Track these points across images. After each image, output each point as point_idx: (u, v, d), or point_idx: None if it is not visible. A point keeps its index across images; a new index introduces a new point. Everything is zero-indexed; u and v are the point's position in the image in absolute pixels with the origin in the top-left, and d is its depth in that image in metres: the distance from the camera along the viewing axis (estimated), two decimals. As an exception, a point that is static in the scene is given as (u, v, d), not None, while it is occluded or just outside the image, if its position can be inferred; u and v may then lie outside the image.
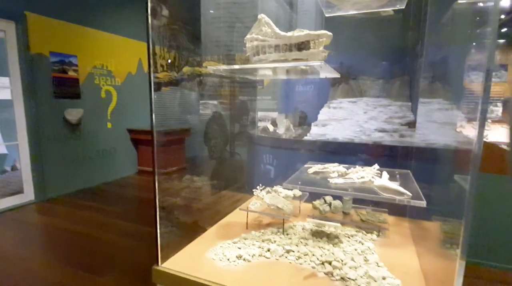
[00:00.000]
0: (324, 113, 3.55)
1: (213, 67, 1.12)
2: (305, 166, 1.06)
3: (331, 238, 1.14)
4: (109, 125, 4.85)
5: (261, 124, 3.85)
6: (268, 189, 1.45)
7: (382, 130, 3.22)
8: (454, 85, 1.36)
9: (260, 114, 3.92)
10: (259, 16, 1.11)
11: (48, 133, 3.95)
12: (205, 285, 0.88)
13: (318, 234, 1.17)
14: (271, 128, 3.68)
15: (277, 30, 1.06)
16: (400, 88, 3.57)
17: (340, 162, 2.76)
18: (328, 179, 0.84)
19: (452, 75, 1.38)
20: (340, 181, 0.79)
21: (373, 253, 1.05)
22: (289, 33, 1.05)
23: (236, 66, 1.11)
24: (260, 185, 1.37)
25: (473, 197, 0.61)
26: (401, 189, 0.72)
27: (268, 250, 1.06)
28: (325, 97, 3.66)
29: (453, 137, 1.18)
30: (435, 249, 0.98)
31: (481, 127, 0.60)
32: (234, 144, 1.47)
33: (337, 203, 1.28)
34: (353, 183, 0.80)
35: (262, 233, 1.20)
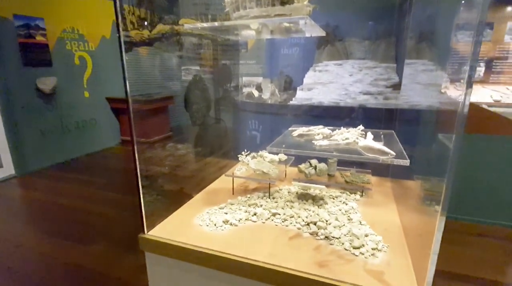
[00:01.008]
0: (309, 77, 3.49)
1: (190, 25, 1.03)
2: (290, 129, 1.04)
3: (316, 200, 1.16)
4: (86, 94, 4.62)
5: (246, 89, 3.76)
6: (253, 154, 1.44)
7: (367, 93, 3.21)
8: (441, 46, 1.33)
9: (244, 79, 3.81)
10: (238, -33, 1.01)
11: (21, 104, 3.73)
12: (192, 251, 0.89)
13: (303, 197, 1.19)
14: (256, 93, 3.60)
15: (258, -18, 0.98)
16: (385, 49, 3.51)
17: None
18: (313, 141, 0.83)
19: (439, 35, 1.35)
20: (325, 142, 0.78)
21: (356, 212, 1.08)
22: (271, -14, 0.97)
23: (215, 23, 1.03)
24: (245, 150, 1.35)
25: (457, 156, 0.61)
26: (385, 149, 0.71)
27: (255, 214, 1.07)
28: (311, 60, 3.57)
29: (437, 99, 1.18)
30: (415, 206, 1.01)
31: (469, 85, 0.58)
32: (218, 109, 1.42)
33: (322, 165, 1.29)
34: (337, 145, 0.80)
35: (248, 198, 1.20)
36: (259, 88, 3.66)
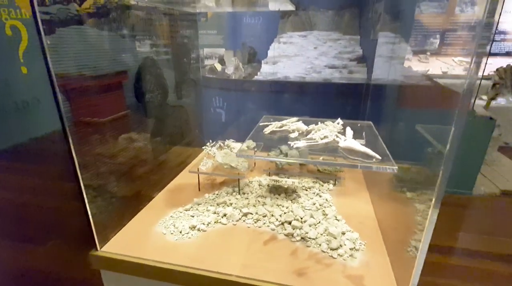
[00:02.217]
0: (274, 49, 3.34)
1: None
2: (260, 124, 0.94)
3: (289, 193, 1.09)
4: (23, 70, 4.04)
5: (207, 62, 3.51)
6: (219, 143, 1.32)
7: (332, 67, 3.16)
8: (406, 17, 1.28)
9: (206, 51, 3.54)
10: None
11: None
12: (154, 267, 0.78)
13: (275, 190, 1.12)
14: (218, 67, 3.38)
15: None
16: (349, 21, 3.43)
17: (294, 102, 2.67)
18: (289, 142, 0.74)
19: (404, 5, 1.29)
20: (302, 144, 0.69)
21: (331, 205, 1.03)
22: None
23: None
24: (210, 141, 1.23)
25: (458, 140, 0.53)
26: (369, 152, 0.65)
27: (224, 215, 0.98)
28: (275, 30, 3.40)
29: (401, 73, 1.14)
30: (388, 194, 0.99)
31: (479, 62, 0.49)
32: (179, 92, 1.26)
33: (293, 153, 1.21)
34: (316, 145, 0.71)
35: (217, 195, 1.10)
36: (221, 61, 3.44)
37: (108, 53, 0.90)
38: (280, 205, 1.03)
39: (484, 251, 1.35)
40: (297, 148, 0.73)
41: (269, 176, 1.21)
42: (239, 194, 1.11)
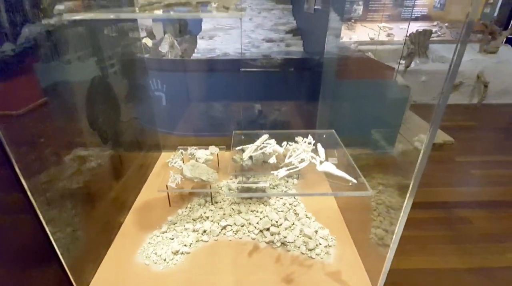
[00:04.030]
0: (207, 21, 3.16)
1: (73, 14, 0.71)
2: (236, 148, 0.94)
3: (258, 192, 1.15)
4: None
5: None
6: (181, 151, 1.29)
7: (270, 40, 3.16)
8: None
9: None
10: None
11: None
12: (151, 305, 0.79)
13: (246, 192, 1.16)
14: (149, 42, 3.08)
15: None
16: (281, -14, 3.39)
17: (240, 83, 2.59)
18: (272, 172, 0.77)
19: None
20: (284, 173, 0.74)
21: (299, 203, 1.13)
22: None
23: (111, 15, 0.73)
24: (173, 156, 1.19)
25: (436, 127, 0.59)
26: (346, 176, 0.72)
27: (204, 232, 1.00)
28: None
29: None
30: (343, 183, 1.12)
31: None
32: (131, 104, 1.13)
33: (258, 155, 1.25)
34: (296, 171, 0.76)
35: (190, 209, 1.10)
36: (151, 35, 3.13)
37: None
38: (255, 210, 1.09)
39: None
40: (281, 178, 0.77)
41: (236, 178, 1.24)
42: (212, 204, 1.13)
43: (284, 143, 0.86)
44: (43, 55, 0.72)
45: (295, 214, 1.08)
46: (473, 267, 1.26)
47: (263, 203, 1.12)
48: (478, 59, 3.63)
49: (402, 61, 3.10)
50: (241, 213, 1.07)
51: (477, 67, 3.49)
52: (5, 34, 0.62)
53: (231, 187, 1.22)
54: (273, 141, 0.88)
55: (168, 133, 2.00)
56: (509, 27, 3.68)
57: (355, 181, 0.71)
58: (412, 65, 3.76)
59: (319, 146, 0.86)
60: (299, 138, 0.88)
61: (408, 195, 0.64)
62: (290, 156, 0.80)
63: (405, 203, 0.65)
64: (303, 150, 0.81)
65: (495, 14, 3.84)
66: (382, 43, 4.07)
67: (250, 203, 1.12)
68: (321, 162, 0.78)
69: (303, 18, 3.18)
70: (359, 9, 3.98)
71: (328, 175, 0.75)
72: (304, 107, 2.14)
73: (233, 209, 1.09)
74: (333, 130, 0.99)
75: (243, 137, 0.98)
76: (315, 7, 2.28)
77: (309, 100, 2.03)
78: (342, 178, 0.72)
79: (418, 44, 3.92)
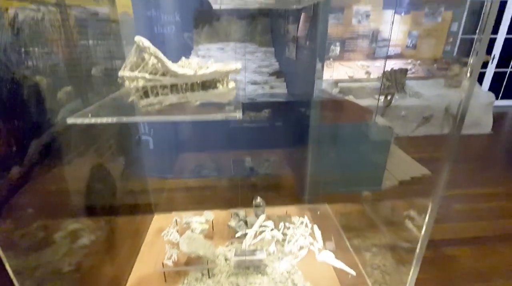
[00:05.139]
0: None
1: (76, 119, 0.73)
2: (238, 235, 0.96)
3: (256, 263, 1.16)
4: None
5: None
6: (176, 219, 1.29)
7: (254, 83, 3.27)
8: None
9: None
10: (136, 39, 0.75)
11: None
12: None
13: (243, 262, 1.17)
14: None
15: (170, 65, 0.76)
16: (262, 31, 3.57)
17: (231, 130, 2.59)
18: (275, 265, 0.79)
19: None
20: (286, 265, 0.76)
21: (297, 271, 1.14)
22: (189, 71, 0.77)
23: (110, 119, 0.75)
24: (168, 228, 1.19)
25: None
26: (345, 268, 0.75)
27: (204, 310, 0.99)
28: (190, 41, 3.29)
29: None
30: (337, 240, 1.14)
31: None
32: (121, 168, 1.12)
33: (252, 220, 1.28)
34: (297, 259, 0.79)
35: (187, 285, 1.09)
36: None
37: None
38: (253, 282, 1.09)
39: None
40: (287, 272, 0.79)
41: (232, 245, 1.25)
42: (209, 277, 1.12)
43: (281, 225, 0.89)
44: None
45: (293, 284, 1.09)
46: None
47: (260, 273, 1.13)
48: (444, 93, 3.89)
49: (382, 97, 3.26)
50: None
51: (444, 101, 3.74)
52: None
53: (227, 256, 1.22)
54: (270, 223, 0.91)
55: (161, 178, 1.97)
56: (468, 63, 4.01)
57: (353, 273, 0.75)
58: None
59: (315, 228, 0.90)
60: (295, 219, 0.92)
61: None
62: (289, 241, 0.83)
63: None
64: (300, 234, 0.84)
65: (455, 53, 4.17)
66: (360, 80, 4.30)
67: (247, 273, 1.12)
68: (319, 250, 0.81)
69: (286, 61, 3.32)
70: (337, 49, 4.24)
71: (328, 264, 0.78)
72: (294, 154, 2.19)
73: (232, 282, 1.09)
74: (326, 204, 1.04)
75: (239, 218, 1.00)
76: (296, 54, 2.42)
77: (298, 146, 2.08)
78: (342, 269, 0.76)
79: (395, 81, 4.17)
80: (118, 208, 1.19)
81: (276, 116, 2.66)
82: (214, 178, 2.08)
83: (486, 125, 3.95)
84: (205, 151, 2.37)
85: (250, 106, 2.86)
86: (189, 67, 0.79)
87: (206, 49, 3.38)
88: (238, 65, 0.84)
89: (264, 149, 2.33)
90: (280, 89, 3.24)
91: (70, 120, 0.73)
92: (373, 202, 1.44)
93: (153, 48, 0.74)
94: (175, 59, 0.80)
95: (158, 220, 1.46)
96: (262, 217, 0.92)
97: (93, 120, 0.74)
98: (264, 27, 3.55)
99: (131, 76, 0.74)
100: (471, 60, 0.61)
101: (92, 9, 1.04)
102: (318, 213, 0.95)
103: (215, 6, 0.75)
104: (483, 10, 0.59)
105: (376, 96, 3.75)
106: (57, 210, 0.86)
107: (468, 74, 0.64)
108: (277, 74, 3.27)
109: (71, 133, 0.85)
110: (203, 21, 3.46)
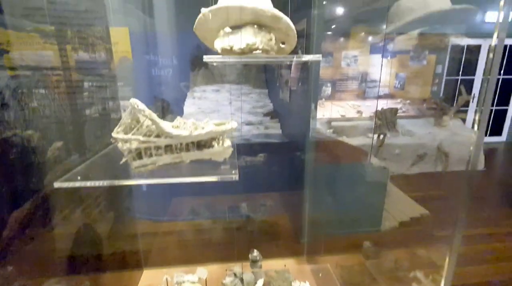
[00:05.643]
0: (189, 105, 3.30)
1: (64, 183, 0.71)
2: (227, 271, 0.90)
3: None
4: None
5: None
6: (166, 278, 1.21)
7: (249, 123, 3.30)
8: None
9: (122, 104, 3.23)
10: (131, 102, 0.75)
11: None
12: None
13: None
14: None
15: (165, 127, 0.75)
16: (256, 73, 3.68)
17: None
18: None
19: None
20: None
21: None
22: (184, 132, 0.77)
23: (101, 183, 0.73)
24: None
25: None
26: None
27: None
28: (186, 83, 3.37)
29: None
30: None
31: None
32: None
33: (249, 277, 1.20)
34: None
35: None
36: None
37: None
38: None
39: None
40: None
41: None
42: None
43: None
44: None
45: None
46: None
47: None
48: (435, 132, 3.98)
49: (375, 135, 3.28)
50: None
51: (435, 139, 3.81)
52: None
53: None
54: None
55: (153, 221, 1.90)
56: (455, 104, 4.14)
57: None
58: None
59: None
60: (295, 284, 0.86)
61: None
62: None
63: None
64: (301, 301, 0.79)
65: (441, 93, 4.33)
66: (352, 119, 4.38)
67: None
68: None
69: (279, 102, 3.38)
70: (328, 90, 4.38)
71: None
72: (290, 198, 2.14)
73: None
74: (328, 265, 0.99)
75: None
76: (289, 96, 2.47)
77: (294, 188, 2.04)
78: None
79: (386, 120, 4.26)
80: (106, 266, 1.12)
81: (271, 160, 2.65)
82: (209, 225, 2.00)
83: (478, 163, 3.99)
84: (199, 195, 2.32)
85: (245, 148, 2.86)
86: (184, 127, 0.79)
87: (202, 91, 3.46)
88: (234, 124, 0.84)
89: (260, 192, 2.29)
90: (274, 129, 3.27)
91: (57, 185, 0.70)
92: (374, 253, 1.38)
93: (148, 111, 0.74)
94: (172, 101, 0.80)
95: (147, 276, 1.37)
96: (260, 282, 0.86)
97: (82, 184, 0.71)
98: (258, 69, 3.68)
99: (124, 138, 0.73)
100: (473, 102, 0.64)
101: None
102: (320, 275, 0.90)
103: (208, 60, 0.76)
104: (462, 55, 0.62)
105: (369, 135, 3.81)
106: (40, 271, 0.80)
107: (476, 127, 0.66)
108: (272, 114, 3.32)
109: (57, 196, 0.82)
110: (199, 64, 3.58)
